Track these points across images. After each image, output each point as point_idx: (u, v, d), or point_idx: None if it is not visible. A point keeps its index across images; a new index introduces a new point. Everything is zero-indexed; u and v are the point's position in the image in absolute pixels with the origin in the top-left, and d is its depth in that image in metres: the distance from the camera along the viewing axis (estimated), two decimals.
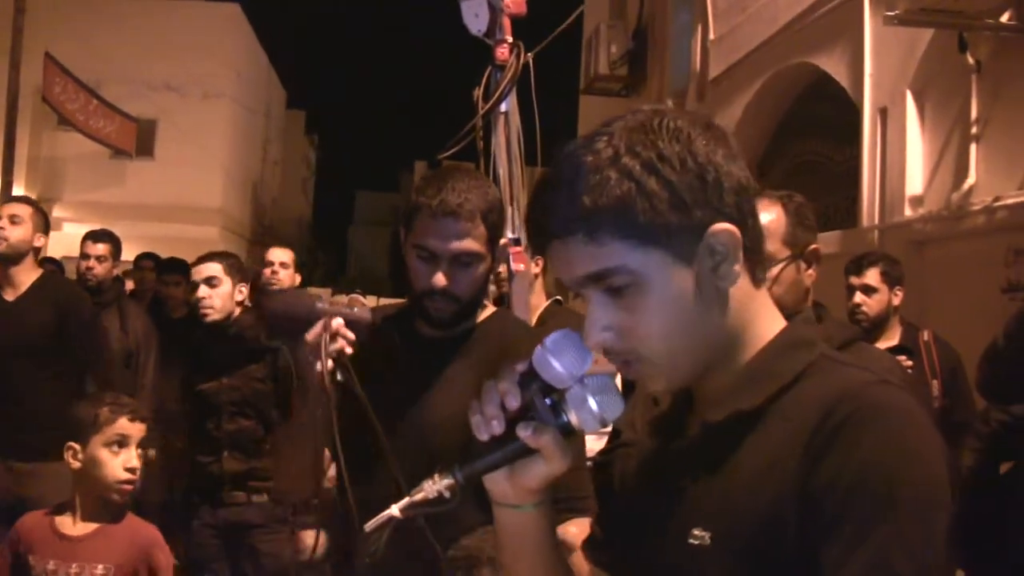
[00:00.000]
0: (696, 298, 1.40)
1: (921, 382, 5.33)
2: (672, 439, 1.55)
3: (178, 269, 8.29)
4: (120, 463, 3.45)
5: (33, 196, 24.42)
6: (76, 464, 3.48)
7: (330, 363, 2.37)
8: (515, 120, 4.85)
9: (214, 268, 5.12)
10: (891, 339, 5.53)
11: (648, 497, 1.55)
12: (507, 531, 1.61)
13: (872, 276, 5.50)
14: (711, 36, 11.92)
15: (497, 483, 1.54)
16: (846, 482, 1.27)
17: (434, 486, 1.48)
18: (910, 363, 5.34)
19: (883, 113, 8.21)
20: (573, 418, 1.45)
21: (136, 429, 3.51)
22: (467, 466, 1.49)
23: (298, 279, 6.99)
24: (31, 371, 5.09)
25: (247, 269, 5.37)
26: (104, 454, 3.45)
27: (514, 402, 1.45)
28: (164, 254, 8.99)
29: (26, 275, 5.32)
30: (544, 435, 1.45)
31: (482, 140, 4.75)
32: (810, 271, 3.02)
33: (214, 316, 5.06)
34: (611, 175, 1.36)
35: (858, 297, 5.49)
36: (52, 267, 6.72)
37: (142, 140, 26.34)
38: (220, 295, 5.07)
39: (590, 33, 15.91)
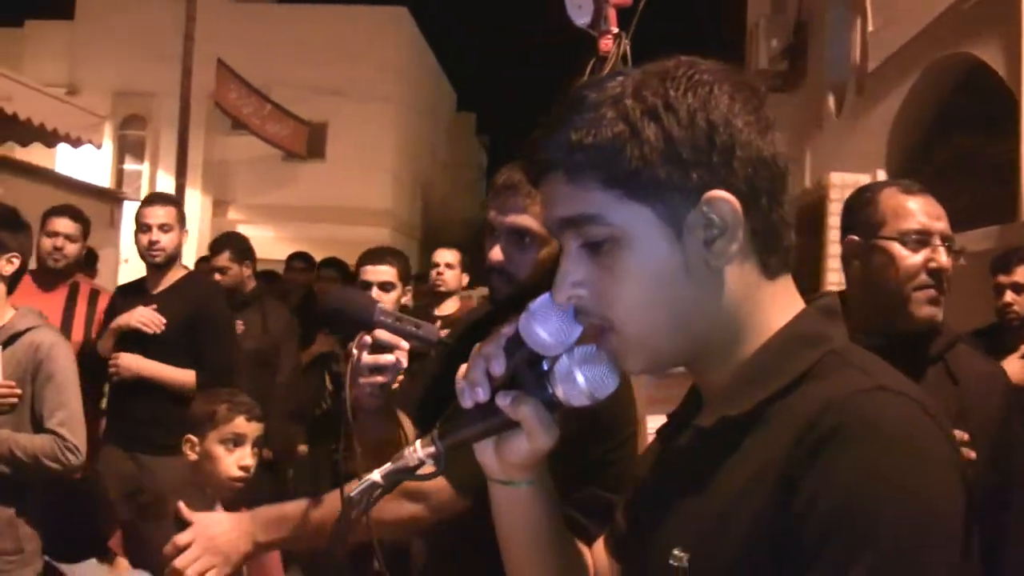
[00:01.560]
0: (683, 272, 1.25)
1: None
2: (674, 440, 1.41)
3: (333, 266, 8.45)
4: (234, 461, 3.54)
5: (208, 199, 25.33)
6: (193, 456, 3.58)
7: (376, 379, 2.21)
8: None
9: (389, 273, 5.17)
10: None
11: (642, 503, 1.44)
12: (500, 509, 1.51)
13: (1023, 273, 5.23)
14: (869, 27, 11.58)
15: (485, 455, 1.44)
16: (820, 514, 1.10)
17: (415, 453, 1.39)
18: None
19: None
20: (559, 391, 1.32)
21: (252, 428, 3.60)
22: (448, 434, 1.39)
23: (465, 279, 6.93)
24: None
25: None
26: (219, 450, 3.54)
27: (498, 368, 1.33)
28: (337, 255, 9.07)
29: (172, 273, 5.46)
30: (523, 406, 1.33)
31: None
32: None
33: None
34: (607, 114, 1.25)
35: (1008, 296, 5.20)
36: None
37: (313, 143, 26.89)
38: (391, 300, 5.11)
39: (751, 27, 15.67)
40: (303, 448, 7.36)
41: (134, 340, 5.21)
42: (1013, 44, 8.17)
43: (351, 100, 26.80)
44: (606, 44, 4.54)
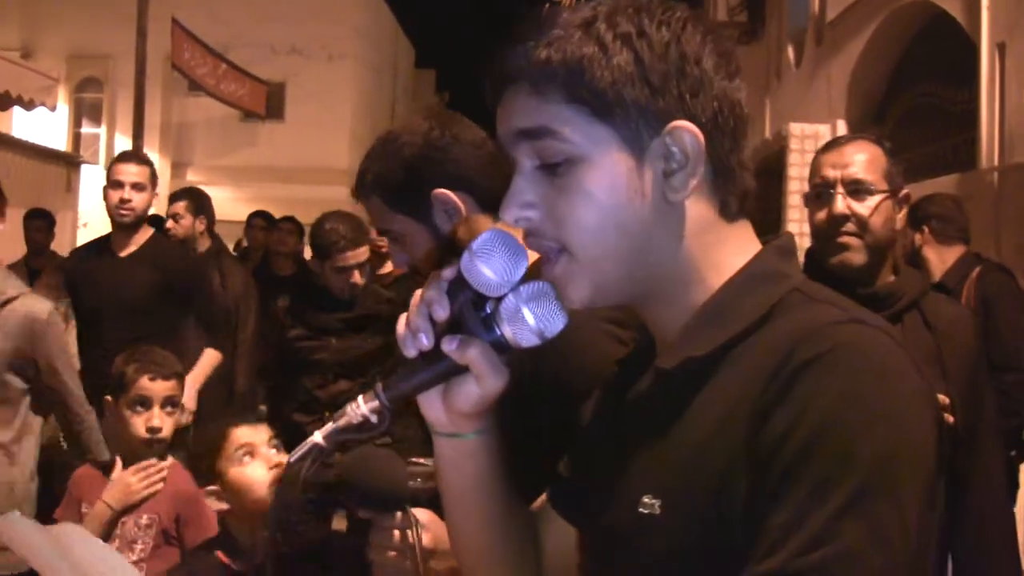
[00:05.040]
0: (640, 199, 1.24)
1: None
2: (630, 384, 1.36)
3: (291, 220, 8.46)
4: (142, 422, 3.47)
5: (167, 161, 25.02)
6: (112, 419, 3.58)
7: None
8: None
9: (365, 254, 5.08)
10: None
11: (601, 451, 1.39)
12: (447, 463, 1.44)
13: None
14: None
15: (431, 407, 1.38)
16: (797, 441, 1.08)
17: (358, 410, 1.34)
18: None
19: (1001, 48, 7.83)
20: (507, 331, 1.27)
21: (159, 388, 3.51)
22: (392, 387, 1.33)
23: None
24: (132, 328, 5.13)
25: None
26: (127, 413, 3.48)
27: (442, 312, 1.29)
28: (296, 214, 9.01)
29: (140, 235, 5.38)
30: (470, 349, 1.28)
31: None
32: (901, 214, 2.96)
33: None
34: (576, 34, 1.23)
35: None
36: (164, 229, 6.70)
37: (272, 103, 26.56)
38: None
39: None
40: (262, 408, 7.34)
41: (103, 314, 5.15)
42: None
43: (309, 59, 26.53)
44: None
